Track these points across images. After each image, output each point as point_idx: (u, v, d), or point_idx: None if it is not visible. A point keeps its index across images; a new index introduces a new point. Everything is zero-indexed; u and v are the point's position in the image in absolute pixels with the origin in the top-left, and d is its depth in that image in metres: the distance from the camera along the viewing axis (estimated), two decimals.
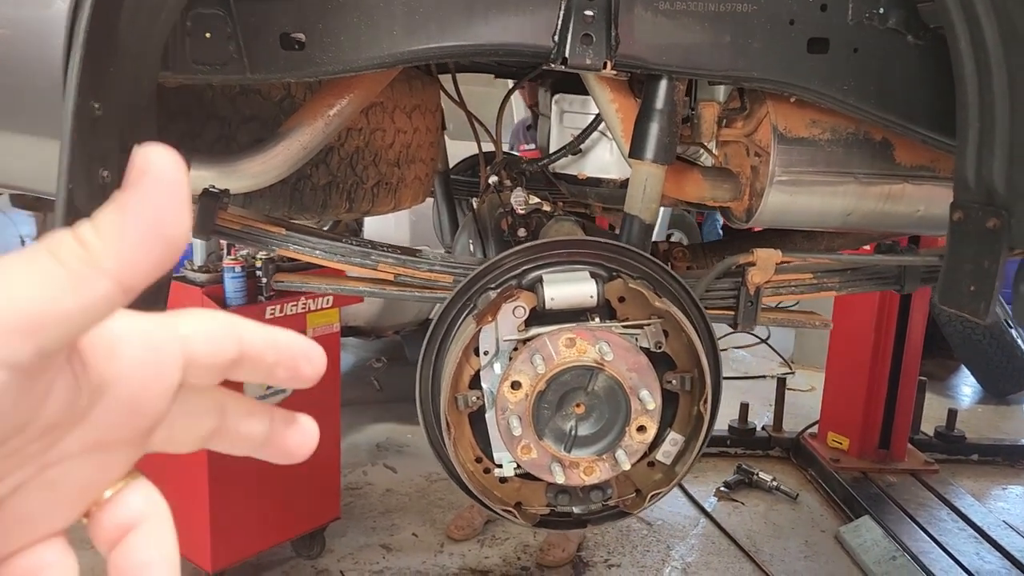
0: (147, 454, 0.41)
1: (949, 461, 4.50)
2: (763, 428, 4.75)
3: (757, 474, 4.25)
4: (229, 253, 3.00)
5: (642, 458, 1.31)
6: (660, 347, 1.29)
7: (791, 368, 6.09)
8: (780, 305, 1.68)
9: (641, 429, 1.25)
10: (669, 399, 1.33)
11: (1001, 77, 1.24)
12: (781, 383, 4.75)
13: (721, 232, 6.70)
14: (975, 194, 1.32)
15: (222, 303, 2.91)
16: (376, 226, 4.30)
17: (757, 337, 6.49)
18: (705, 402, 1.29)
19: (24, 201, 6.24)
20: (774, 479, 4.23)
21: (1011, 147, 1.23)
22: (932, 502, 3.93)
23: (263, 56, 1.33)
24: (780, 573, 3.50)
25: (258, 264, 2.99)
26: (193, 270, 2.98)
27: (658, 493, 1.34)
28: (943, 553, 3.44)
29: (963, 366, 5.81)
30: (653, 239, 1.55)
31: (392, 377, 5.41)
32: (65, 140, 0.93)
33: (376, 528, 3.82)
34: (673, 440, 1.33)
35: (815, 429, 4.59)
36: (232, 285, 2.93)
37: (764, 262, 1.52)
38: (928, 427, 4.73)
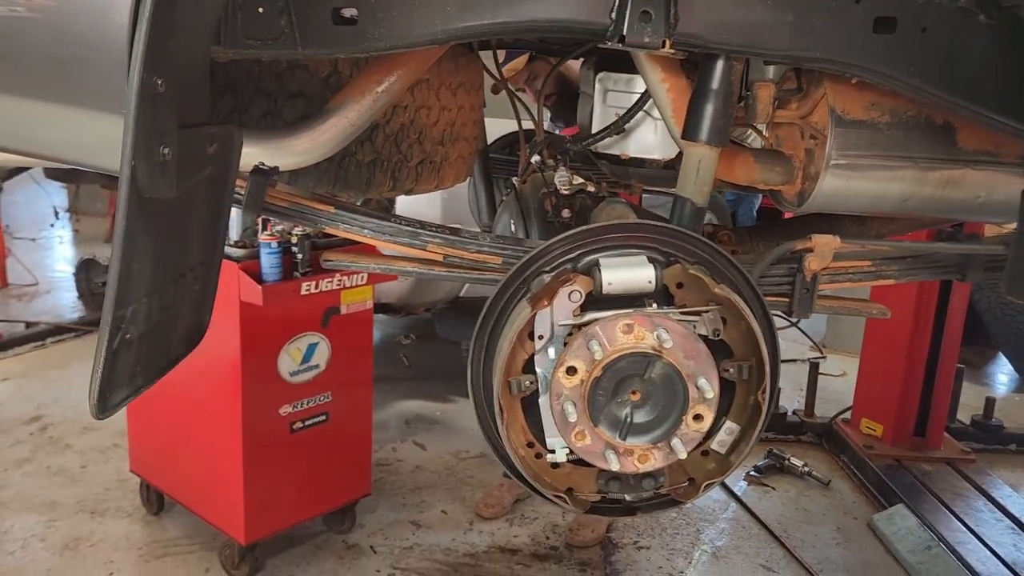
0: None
1: (986, 451, 4.44)
2: (794, 413, 4.71)
3: (788, 459, 4.22)
4: (265, 229, 3.00)
5: (697, 447, 1.29)
6: (718, 335, 1.26)
7: (822, 352, 6.03)
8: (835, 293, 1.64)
9: (698, 418, 1.23)
10: (726, 388, 1.30)
11: None
12: (813, 367, 4.70)
13: (755, 216, 6.59)
14: None
15: (258, 278, 2.91)
16: (408, 205, 4.28)
17: (789, 320, 6.40)
18: (763, 392, 1.27)
19: (57, 173, 6.30)
20: (805, 464, 4.20)
21: None
22: (969, 492, 3.88)
23: (314, 31, 1.30)
24: (811, 559, 3.47)
25: (294, 240, 2.98)
26: (230, 245, 2.98)
27: (712, 483, 1.32)
28: (980, 544, 3.41)
29: (1001, 354, 5.72)
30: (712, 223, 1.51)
31: (421, 354, 5.42)
32: (129, 117, 0.91)
33: (406, 504, 3.84)
34: (729, 429, 1.31)
35: (848, 415, 4.54)
36: (268, 261, 2.93)
37: (822, 248, 1.49)
38: (965, 415, 4.67)
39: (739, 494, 4.02)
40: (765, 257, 1.50)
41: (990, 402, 4.64)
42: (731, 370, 1.29)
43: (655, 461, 1.25)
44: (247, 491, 3.06)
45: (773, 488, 4.12)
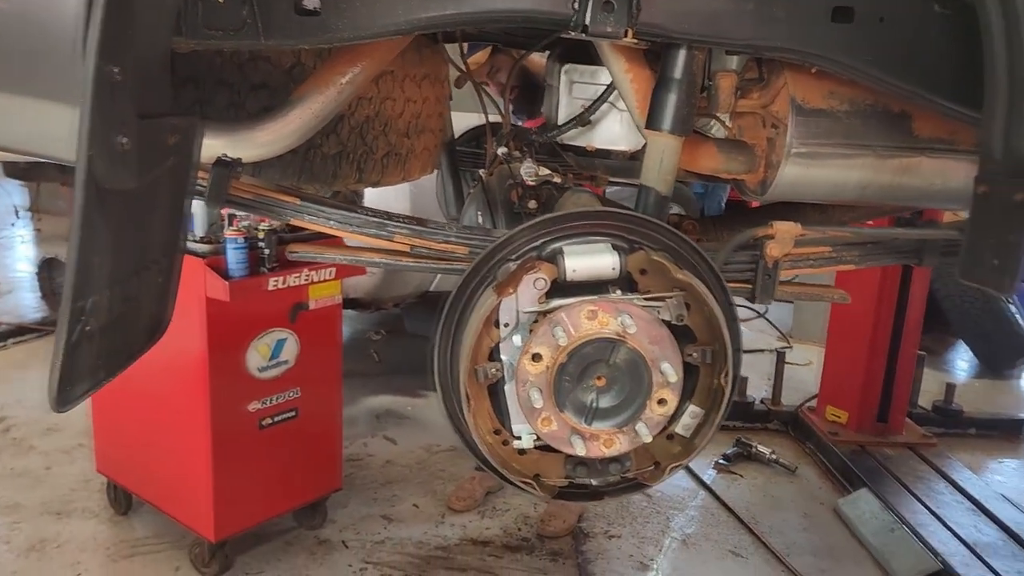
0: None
1: (947, 435, 4.53)
2: (762, 401, 4.77)
3: (755, 447, 4.28)
4: (230, 223, 2.97)
5: (662, 431, 1.31)
6: (682, 320, 1.28)
7: (789, 342, 6.11)
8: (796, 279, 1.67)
9: (662, 402, 1.25)
10: (689, 372, 1.32)
11: None
12: (780, 357, 4.77)
13: (723, 208, 6.67)
14: (1002, 167, 1.30)
15: (224, 274, 2.89)
16: (375, 197, 4.26)
17: (755, 311, 6.50)
18: (725, 375, 1.29)
19: (16, 171, 6.18)
20: (772, 452, 4.26)
21: None
22: (930, 475, 3.97)
23: (277, 22, 1.29)
24: (779, 544, 3.53)
25: (260, 235, 2.96)
26: (195, 241, 2.95)
27: (677, 466, 1.34)
28: (941, 525, 3.48)
29: (961, 341, 5.84)
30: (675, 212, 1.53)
31: (392, 349, 5.40)
32: (85, 106, 0.90)
33: (377, 499, 3.83)
34: (693, 413, 1.33)
35: (814, 403, 4.61)
36: (234, 256, 2.91)
37: (783, 235, 1.51)
38: (926, 401, 4.76)
39: (708, 482, 4.07)
40: (728, 244, 1.52)
41: (950, 388, 4.74)
42: (694, 355, 1.31)
43: (621, 445, 1.27)
44: (216, 488, 3.04)
45: (741, 476, 4.17)
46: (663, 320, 1.26)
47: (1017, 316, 5.44)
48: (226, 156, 1.41)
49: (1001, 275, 1.31)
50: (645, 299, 1.26)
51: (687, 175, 1.92)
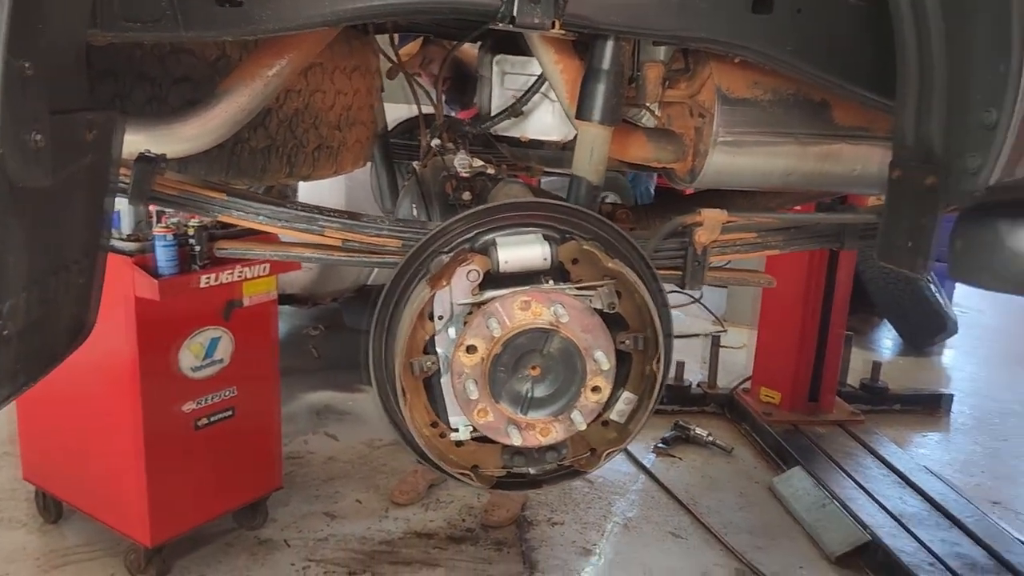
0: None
1: (873, 411, 4.70)
2: (698, 385, 4.87)
3: (693, 430, 4.37)
4: (159, 221, 2.90)
5: (597, 418, 1.33)
6: (613, 308, 1.30)
7: (723, 326, 6.24)
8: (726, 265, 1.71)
9: (596, 389, 1.27)
10: (622, 359, 1.34)
11: (939, 38, 1.26)
12: (715, 341, 4.87)
13: (653, 194, 6.76)
14: (913, 153, 1.35)
15: (154, 272, 2.81)
16: (309, 191, 4.20)
17: (691, 296, 6.62)
18: (657, 361, 1.31)
19: None
20: (709, 434, 4.36)
21: (948, 107, 1.27)
22: (858, 451, 4.11)
23: (198, 13, 1.27)
24: (717, 524, 3.61)
25: (190, 232, 2.89)
26: (121, 239, 2.87)
27: (612, 451, 1.36)
28: (869, 499, 3.61)
29: (885, 320, 6.04)
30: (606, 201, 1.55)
31: (330, 345, 5.34)
32: None
33: (319, 496, 3.79)
34: (627, 399, 1.35)
35: (748, 385, 4.73)
36: (164, 254, 2.83)
37: (711, 222, 1.55)
38: (854, 379, 4.92)
39: (648, 465, 4.14)
40: (658, 232, 1.55)
41: (876, 366, 4.91)
42: (627, 342, 1.33)
43: (557, 434, 1.29)
44: (151, 492, 2.96)
45: (680, 458, 4.26)
46: (595, 309, 1.28)
47: (936, 295, 5.66)
48: (149, 152, 1.38)
49: (915, 256, 1.36)
50: (577, 288, 1.28)
51: (618, 164, 1.95)
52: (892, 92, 1.41)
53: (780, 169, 1.75)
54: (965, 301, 6.70)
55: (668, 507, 3.79)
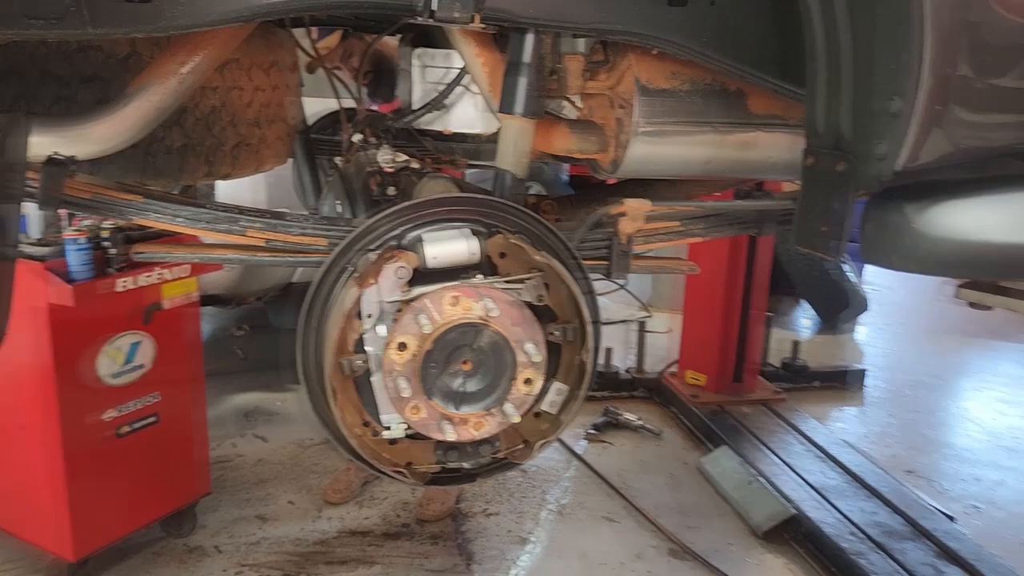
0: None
1: (795, 389, 4.86)
2: (627, 371, 4.95)
3: (623, 415, 4.45)
4: (70, 223, 2.79)
5: (529, 409, 1.34)
6: (542, 300, 1.31)
7: (649, 312, 6.34)
8: (650, 253, 1.74)
9: (527, 381, 1.28)
10: (552, 350, 1.36)
11: (846, 28, 1.31)
12: (641, 327, 4.96)
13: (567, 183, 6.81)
14: (824, 139, 1.40)
15: (67, 277, 2.71)
16: (230, 191, 4.10)
17: (617, 284, 6.70)
18: (587, 351, 1.33)
19: None
20: (639, 418, 4.44)
21: (855, 95, 1.32)
22: (781, 428, 4.24)
23: (105, 10, 1.22)
24: (648, 506, 3.68)
25: (104, 234, 2.79)
26: (32, 244, 2.75)
27: (546, 442, 1.38)
28: (793, 474, 3.74)
29: (803, 301, 6.24)
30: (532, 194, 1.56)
31: (256, 345, 5.23)
32: None
33: (250, 500, 3.72)
34: (558, 390, 1.37)
35: (675, 368, 4.83)
36: (76, 258, 2.72)
37: (634, 212, 1.57)
38: (776, 359, 5.08)
39: (580, 452, 4.19)
40: (583, 223, 1.57)
41: (796, 345, 5.08)
42: (556, 333, 1.34)
43: (490, 427, 1.29)
44: (72, 504, 2.86)
45: (611, 443, 4.32)
46: (524, 301, 1.29)
47: (850, 275, 5.88)
48: (58, 154, 1.33)
49: (829, 240, 1.42)
50: (506, 282, 1.29)
51: (543, 156, 1.97)
52: (804, 81, 1.46)
53: (700, 157, 1.79)
54: (877, 280, 6.98)
55: (601, 492, 3.85)
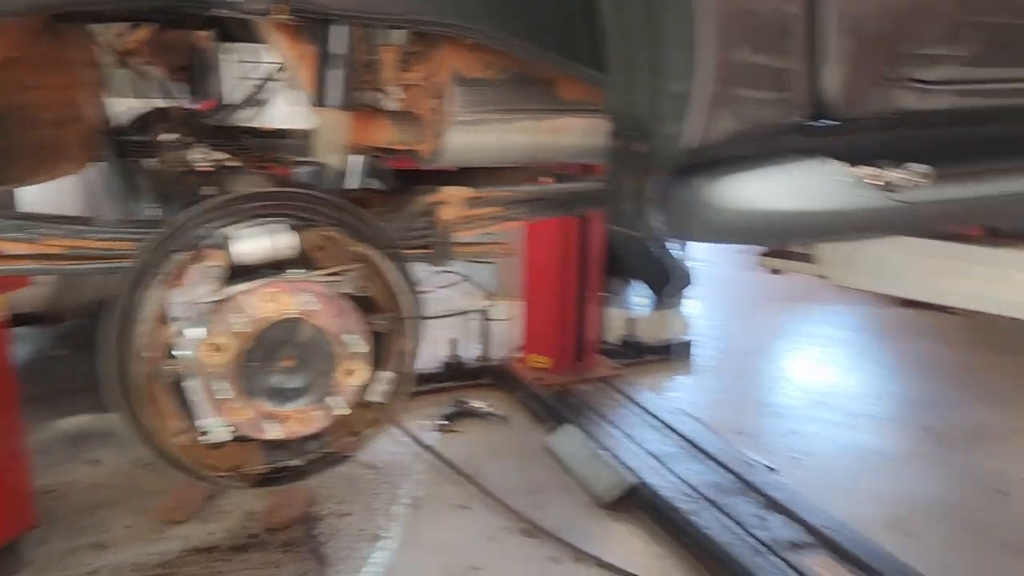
0: None
1: (632, 364, 5.09)
2: (475, 360, 5.01)
3: (471, 403, 4.51)
4: None
5: (357, 400, 1.34)
6: (363, 291, 1.31)
7: (493, 300, 6.44)
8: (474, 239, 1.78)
9: (351, 373, 1.28)
10: (378, 340, 1.36)
11: (637, 12, 1.38)
12: (485, 315, 5.04)
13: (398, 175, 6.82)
14: (625, 122, 1.48)
15: None
16: (37, 198, 3.81)
17: (460, 275, 6.79)
18: (410, 339, 1.35)
19: None
20: (488, 405, 4.52)
21: (648, 78, 1.40)
22: (622, 402, 4.44)
23: None
24: (500, 489, 3.75)
25: None
26: None
27: (376, 432, 1.38)
28: (633, 444, 3.92)
29: (638, 280, 6.52)
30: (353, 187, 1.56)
31: (81, 364, 4.88)
32: None
33: (84, 528, 3.49)
34: (385, 379, 1.37)
35: (520, 354, 4.94)
36: None
37: (453, 199, 1.60)
38: (615, 337, 5.29)
39: (431, 444, 4.21)
40: (404, 213, 1.58)
41: (630, 322, 5.33)
42: (379, 323, 1.35)
43: (316, 422, 1.29)
44: None
45: (461, 432, 4.37)
46: (345, 293, 1.29)
47: (669, 251, 6.22)
48: None
49: (636, 219, 1.50)
50: (323, 275, 1.28)
51: (366, 148, 1.96)
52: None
53: (518, 144, 1.84)
54: (700, 255, 7.40)
55: (453, 481, 3.89)
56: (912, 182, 1.48)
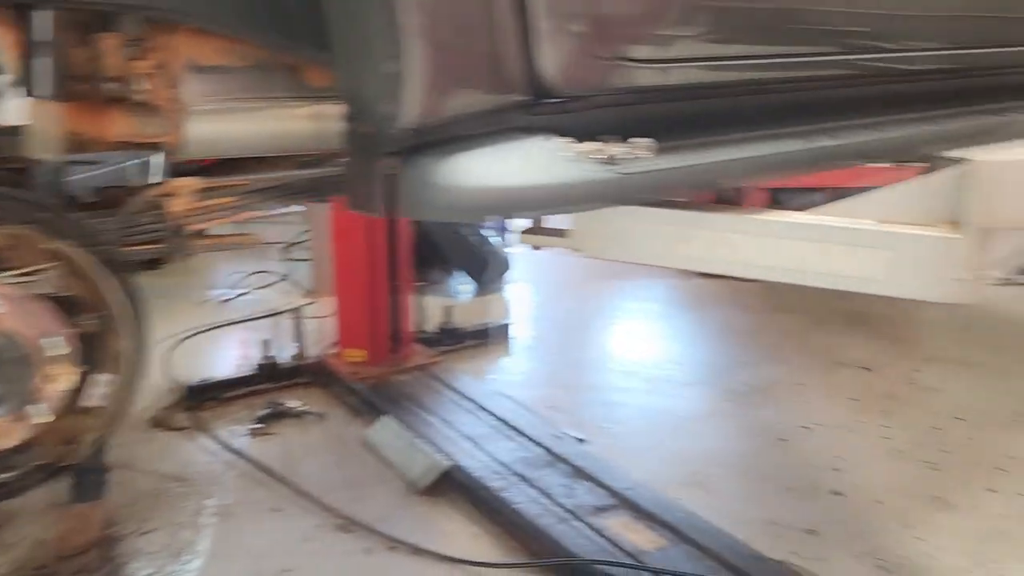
0: None
1: (451, 351, 5.13)
2: (291, 359, 4.88)
3: (286, 404, 4.39)
4: None
5: (68, 406, 1.27)
6: (64, 291, 1.24)
7: (312, 298, 6.30)
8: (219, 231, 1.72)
9: (55, 378, 1.20)
10: (90, 341, 1.29)
11: None
12: (297, 313, 4.92)
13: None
14: (354, 104, 1.48)
15: None
16: None
17: (277, 274, 6.61)
18: (126, 338, 1.29)
19: None
20: (303, 404, 4.41)
21: (365, 59, 1.40)
22: (440, 389, 4.46)
23: None
24: (315, 488, 3.68)
25: None
26: None
27: (100, 437, 1.31)
28: (449, 429, 3.96)
29: (458, 269, 6.59)
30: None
31: None
32: None
33: None
34: (104, 381, 1.31)
35: (335, 350, 4.85)
36: None
37: (181, 191, 1.54)
38: (432, 325, 5.31)
39: (244, 448, 4.06)
40: (124, 208, 1.51)
41: (447, 310, 5.36)
42: (87, 323, 1.28)
43: (20, 433, 1.20)
44: None
45: (276, 434, 4.25)
46: (42, 294, 1.21)
47: (490, 238, 6.33)
48: None
49: (373, 201, 1.51)
50: (13, 276, 1.20)
51: (108, 143, 1.85)
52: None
53: (268, 132, 1.80)
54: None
55: (266, 485, 3.77)
56: (634, 155, 1.57)
